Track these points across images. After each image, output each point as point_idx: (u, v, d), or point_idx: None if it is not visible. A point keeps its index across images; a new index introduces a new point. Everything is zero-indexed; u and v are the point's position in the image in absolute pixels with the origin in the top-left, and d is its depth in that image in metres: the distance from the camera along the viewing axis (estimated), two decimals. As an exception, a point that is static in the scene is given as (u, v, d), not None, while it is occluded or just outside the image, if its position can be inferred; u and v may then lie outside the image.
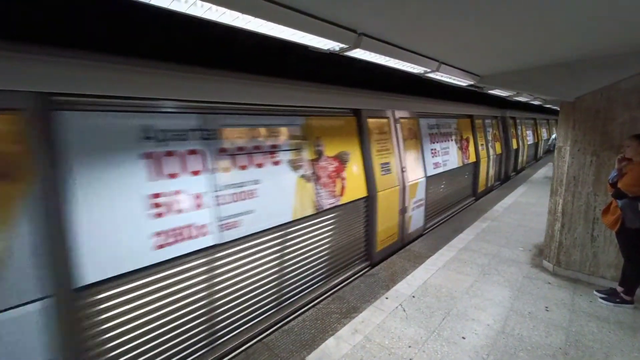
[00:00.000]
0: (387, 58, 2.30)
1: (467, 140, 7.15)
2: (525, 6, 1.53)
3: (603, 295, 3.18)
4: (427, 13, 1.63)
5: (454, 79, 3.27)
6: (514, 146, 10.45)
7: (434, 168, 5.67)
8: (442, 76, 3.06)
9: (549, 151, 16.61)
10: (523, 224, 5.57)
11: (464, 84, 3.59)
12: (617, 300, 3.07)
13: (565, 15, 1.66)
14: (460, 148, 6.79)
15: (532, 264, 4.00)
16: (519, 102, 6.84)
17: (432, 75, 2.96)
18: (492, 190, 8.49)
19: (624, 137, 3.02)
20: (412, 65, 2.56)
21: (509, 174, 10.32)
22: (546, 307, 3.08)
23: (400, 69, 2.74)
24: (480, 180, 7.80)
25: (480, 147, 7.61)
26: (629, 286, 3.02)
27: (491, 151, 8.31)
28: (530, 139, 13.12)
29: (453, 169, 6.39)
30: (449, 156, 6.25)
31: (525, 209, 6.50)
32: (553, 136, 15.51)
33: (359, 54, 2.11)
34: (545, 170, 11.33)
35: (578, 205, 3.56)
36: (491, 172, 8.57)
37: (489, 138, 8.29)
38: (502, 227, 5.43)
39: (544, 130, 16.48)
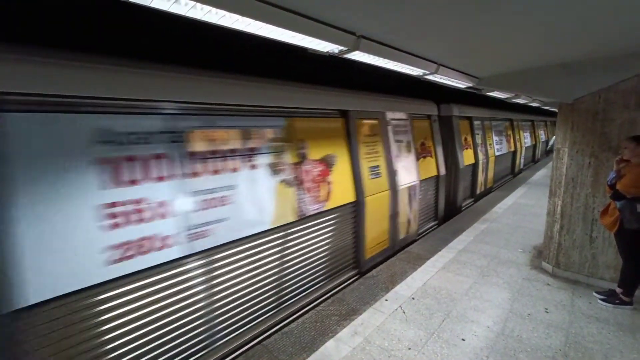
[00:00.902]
0: (386, 60, 2.32)
1: (328, 163, 3.58)
2: (525, 7, 1.54)
3: (602, 297, 3.18)
4: (426, 15, 1.63)
5: (452, 81, 3.28)
6: (469, 161, 7.12)
7: (159, 249, 2.14)
8: (440, 78, 3.07)
9: (534, 161, 14.45)
10: (522, 225, 5.58)
11: (463, 86, 3.60)
12: (617, 301, 3.08)
13: (565, 17, 1.67)
14: (298, 182, 3.20)
15: (532, 266, 4.01)
16: (480, 95, 4.55)
17: (430, 77, 2.97)
18: (414, 242, 4.98)
19: (622, 139, 3.04)
20: (411, 67, 2.58)
21: (459, 204, 6.76)
22: (546, 309, 3.08)
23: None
24: (369, 237, 4.13)
25: (369, 174, 4.12)
26: (628, 287, 3.03)
27: (405, 177, 4.83)
28: (502, 148, 9.37)
29: (255, 233, 2.79)
30: (233, 208, 2.59)
31: (524, 210, 6.51)
32: (552, 140, 13.16)
33: (358, 56, 2.12)
34: (545, 172, 11.35)
35: (577, 207, 3.56)
36: (408, 213, 4.95)
37: (402, 153, 4.85)
38: (502, 229, 5.43)
39: (525, 134, 12.38)
